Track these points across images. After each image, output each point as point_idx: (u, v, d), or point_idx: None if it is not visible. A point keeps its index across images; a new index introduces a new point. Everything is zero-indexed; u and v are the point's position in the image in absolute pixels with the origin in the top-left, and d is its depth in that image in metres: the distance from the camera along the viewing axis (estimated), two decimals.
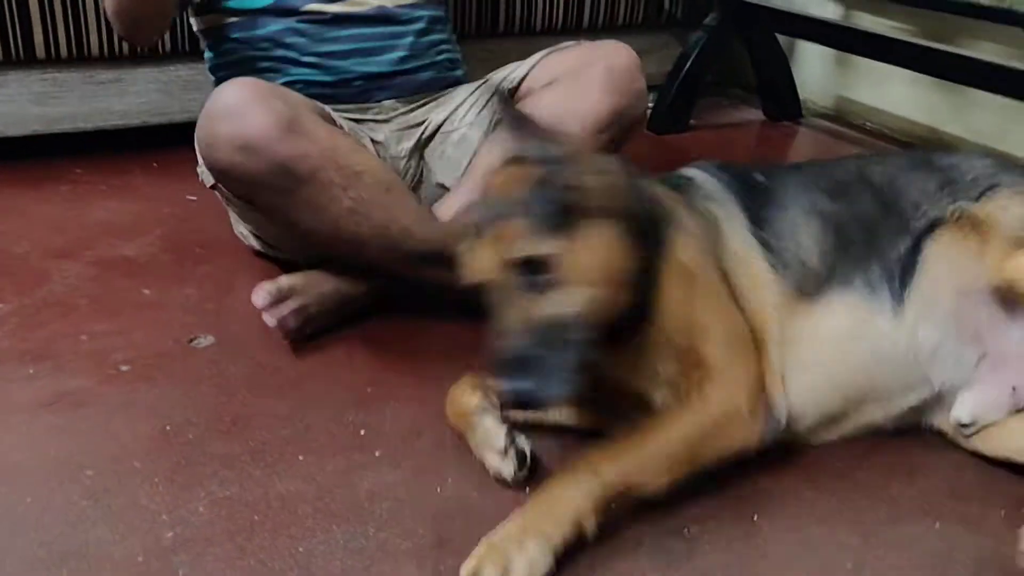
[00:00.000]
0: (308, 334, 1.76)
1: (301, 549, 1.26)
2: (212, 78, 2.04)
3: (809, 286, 1.46)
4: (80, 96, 2.57)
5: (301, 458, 1.46)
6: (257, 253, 2.07)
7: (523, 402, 1.22)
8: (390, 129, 2.00)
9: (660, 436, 1.30)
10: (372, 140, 1.95)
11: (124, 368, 1.68)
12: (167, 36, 2.56)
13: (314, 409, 1.57)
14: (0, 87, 2.49)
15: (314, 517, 1.32)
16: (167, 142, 2.60)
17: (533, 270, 1.23)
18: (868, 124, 3.14)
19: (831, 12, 3.04)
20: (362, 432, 1.52)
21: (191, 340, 1.78)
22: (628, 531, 1.28)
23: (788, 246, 1.48)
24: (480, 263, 1.28)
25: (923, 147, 1.98)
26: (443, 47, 2.08)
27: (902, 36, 2.71)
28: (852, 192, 1.55)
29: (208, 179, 1.91)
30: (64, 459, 1.43)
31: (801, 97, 3.24)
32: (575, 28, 3.05)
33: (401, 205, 1.75)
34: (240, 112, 1.62)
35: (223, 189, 1.86)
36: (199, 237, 2.20)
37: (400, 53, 1.99)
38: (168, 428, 1.52)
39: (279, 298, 1.71)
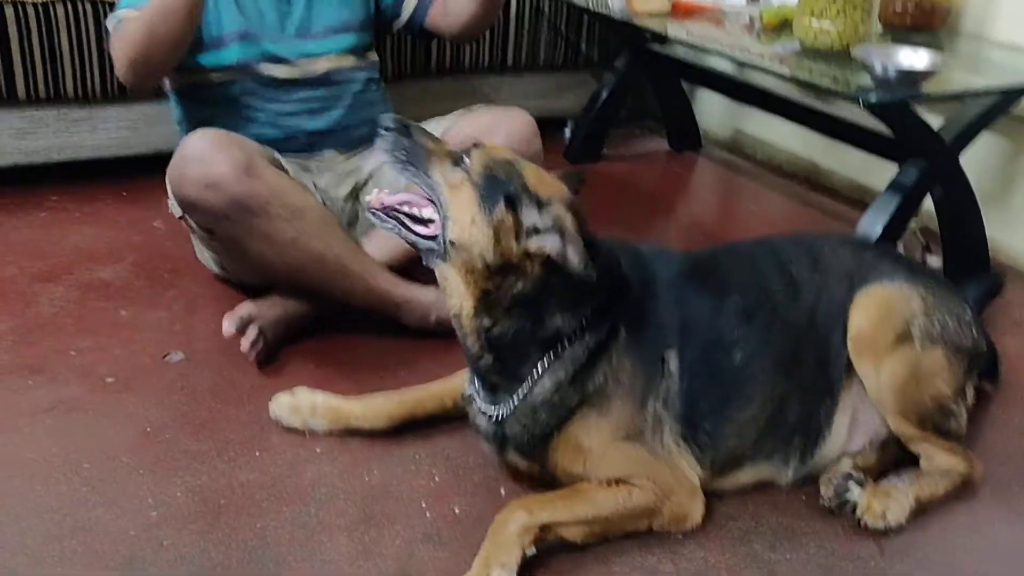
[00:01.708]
0: (266, 351, 2.11)
1: (258, 525, 1.63)
2: (178, 129, 2.38)
3: (727, 465, 1.70)
4: (55, 131, 2.88)
5: (258, 454, 1.81)
6: (217, 277, 2.41)
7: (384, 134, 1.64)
8: (331, 175, 2.36)
9: (589, 508, 1.57)
10: (315, 184, 2.31)
11: (109, 380, 2.03)
12: None
13: (268, 414, 1.91)
14: None
15: (268, 501, 1.69)
16: (134, 172, 2.94)
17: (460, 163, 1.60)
18: (759, 155, 3.55)
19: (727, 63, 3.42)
20: (306, 433, 1.88)
21: (164, 356, 2.12)
22: None
23: (714, 434, 1.66)
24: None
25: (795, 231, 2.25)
26: (377, 104, 2.45)
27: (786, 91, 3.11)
28: (797, 350, 1.71)
29: (177, 211, 2.24)
30: (65, 456, 1.78)
31: (701, 128, 3.64)
32: (500, 67, 3.40)
33: (336, 238, 2.13)
34: (206, 157, 1.99)
35: (189, 220, 2.20)
36: (167, 262, 2.54)
37: (340, 112, 2.37)
38: (148, 430, 1.87)
39: (243, 325, 2.05)
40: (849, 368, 1.72)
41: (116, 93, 2.89)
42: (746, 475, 1.73)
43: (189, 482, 1.73)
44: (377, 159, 2.34)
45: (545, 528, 1.52)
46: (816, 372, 1.72)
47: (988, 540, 1.69)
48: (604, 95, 3.39)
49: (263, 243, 2.06)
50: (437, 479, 1.76)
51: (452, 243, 1.56)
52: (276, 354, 2.13)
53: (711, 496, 1.69)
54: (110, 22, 2.21)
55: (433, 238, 1.59)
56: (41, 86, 2.80)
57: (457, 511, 1.69)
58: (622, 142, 3.61)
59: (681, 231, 3.09)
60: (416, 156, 1.61)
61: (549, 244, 1.51)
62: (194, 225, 2.21)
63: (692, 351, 1.65)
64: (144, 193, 2.85)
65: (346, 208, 2.37)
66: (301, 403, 1.88)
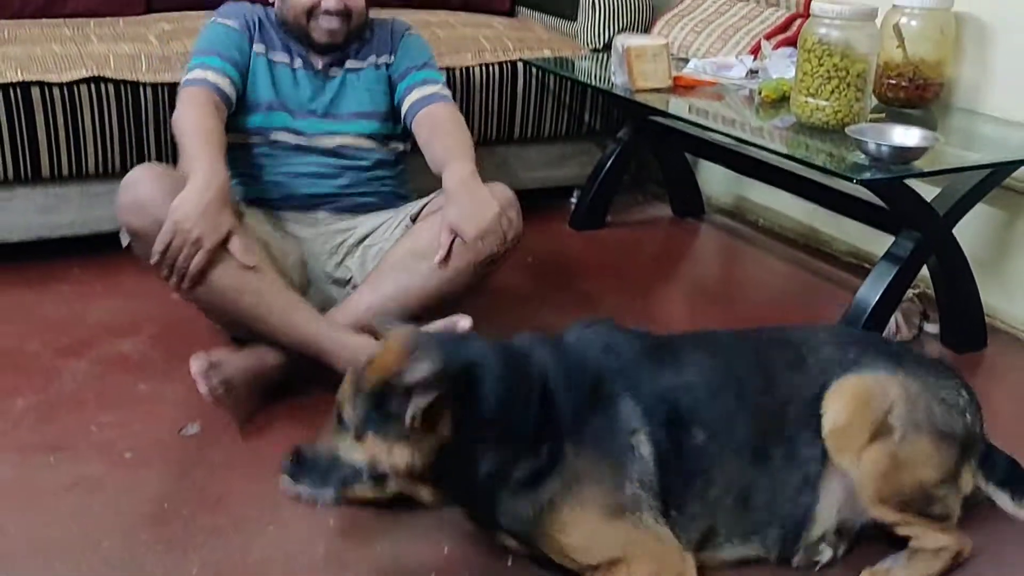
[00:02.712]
0: (231, 398, 2.14)
1: None
2: None
3: (703, 542, 1.73)
4: (78, 207, 2.99)
5: (271, 528, 1.87)
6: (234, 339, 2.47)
7: (286, 484, 1.67)
8: (317, 231, 2.50)
9: None
10: (295, 234, 2.46)
11: (128, 455, 2.10)
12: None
13: (278, 489, 1.97)
14: (9, 200, 2.91)
15: None
16: None
17: (341, 420, 1.65)
18: (761, 221, 3.63)
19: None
20: (318, 504, 1.93)
21: (180, 430, 2.19)
22: None
23: (684, 511, 1.70)
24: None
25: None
26: (387, 181, 2.56)
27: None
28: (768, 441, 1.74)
29: (124, 240, 2.30)
30: (85, 534, 1.84)
31: (704, 195, 3.72)
32: (507, 139, 3.49)
33: (259, 275, 2.19)
34: (136, 183, 2.17)
35: (134, 249, 2.26)
36: (182, 334, 2.61)
37: (344, 181, 2.51)
38: (166, 506, 1.93)
39: (209, 367, 2.10)
40: (828, 462, 1.74)
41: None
42: (728, 553, 1.76)
43: (205, 558, 1.79)
44: (372, 223, 2.45)
45: None
46: (786, 466, 1.74)
47: None
48: (608, 164, 3.48)
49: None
50: (446, 550, 1.82)
51: (405, 480, 1.63)
52: (254, 404, 2.22)
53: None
54: (183, 75, 2.43)
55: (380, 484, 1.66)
56: (64, 164, 2.91)
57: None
58: (626, 209, 3.70)
59: (684, 296, 3.17)
60: (327, 472, 1.65)
61: (410, 409, 1.54)
62: (141, 255, 2.25)
63: (659, 431, 1.69)
64: None
65: (328, 262, 2.49)
66: None
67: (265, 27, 2.51)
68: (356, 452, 1.62)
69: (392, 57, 2.56)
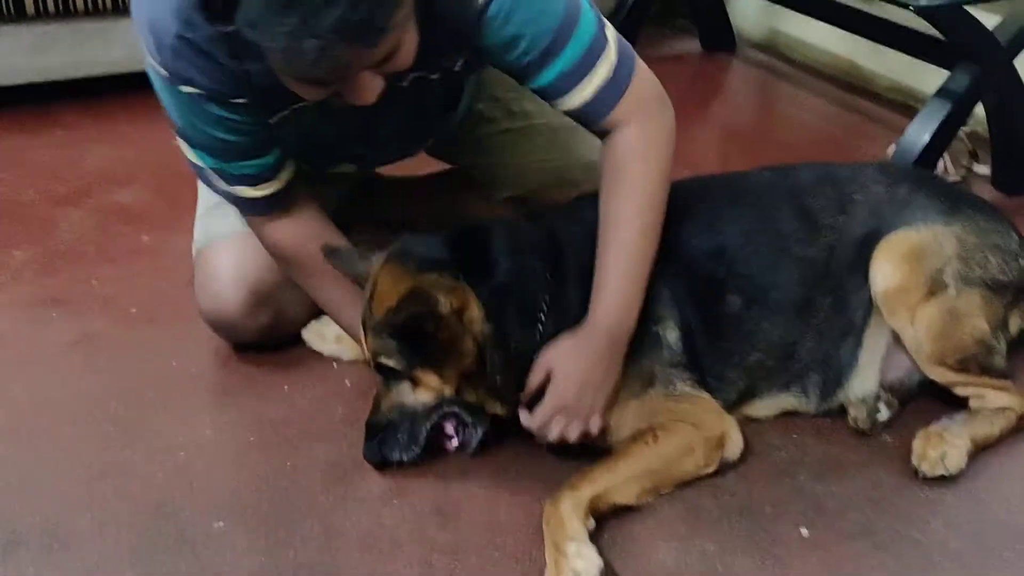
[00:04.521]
0: None
1: (289, 464, 1.60)
2: None
3: (740, 399, 1.66)
4: (69, 47, 2.80)
5: (286, 387, 1.78)
6: None
7: (375, 462, 1.56)
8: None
9: (628, 464, 1.51)
10: None
11: (133, 310, 1.99)
12: None
13: (293, 345, 1.87)
14: None
15: (299, 438, 1.66)
16: (150, 87, 2.84)
17: (385, 372, 1.53)
18: (797, 56, 3.40)
19: None
20: (335, 365, 1.83)
21: (188, 283, 2.07)
22: None
23: (723, 378, 1.63)
24: (363, 354, 1.59)
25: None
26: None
27: None
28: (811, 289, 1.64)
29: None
30: (91, 393, 1.75)
31: (735, 28, 3.49)
32: None
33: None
34: (218, 293, 1.79)
35: None
36: (186, 184, 2.45)
37: None
38: (174, 364, 1.84)
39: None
40: (875, 310, 1.64)
41: (127, 5, 2.78)
42: (765, 406, 1.69)
43: (217, 419, 1.70)
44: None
45: (596, 499, 1.46)
46: (834, 315, 1.65)
47: None
48: None
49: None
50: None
51: (460, 391, 1.53)
52: None
53: (752, 426, 1.65)
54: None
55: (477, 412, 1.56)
56: (51, 1, 2.71)
57: (492, 449, 1.64)
58: (653, 44, 3.47)
59: (716, 138, 3.00)
60: (406, 431, 1.54)
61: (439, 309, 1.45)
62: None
63: (687, 313, 1.59)
64: (161, 110, 2.75)
65: None
66: (328, 330, 1.85)
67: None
68: (417, 394, 1.53)
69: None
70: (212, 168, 1.62)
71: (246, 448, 1.63)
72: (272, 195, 1.64)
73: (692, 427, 1.55)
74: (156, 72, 1.52)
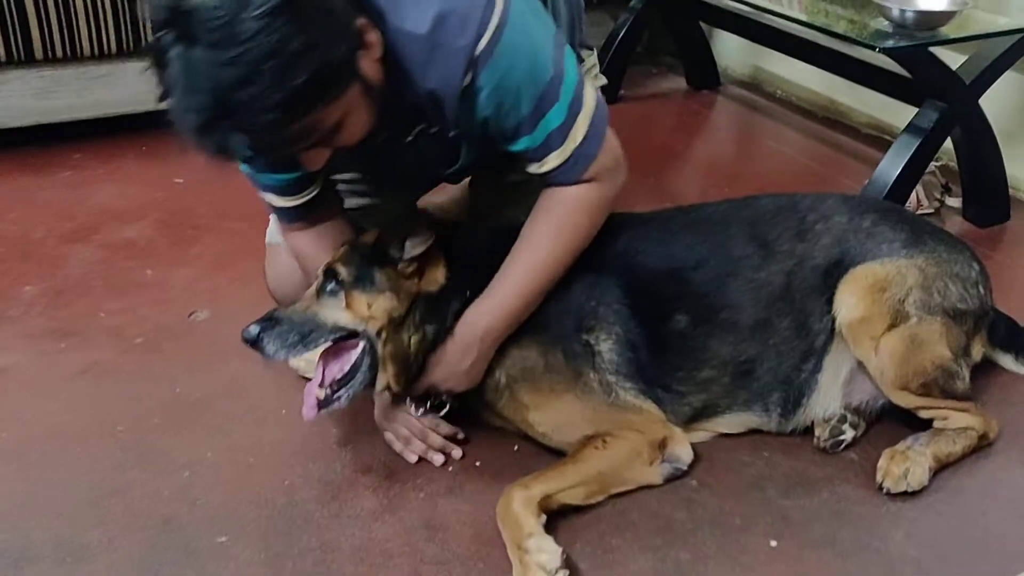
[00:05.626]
0: None
1: (286, 483, 1.69)
2: None
3: (700, 414, 1.74)
4: (75, 90, 2.91)
5: (284, 412, 1.87)
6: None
7: (247, 340, 1.60)
8: None
9: (577, 468, 1.62)
10: None
11: (138, 340, 2.08)
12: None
13: (292, 373, 1.95)
14: (3, 84, 2.83)
15: (296, 458, 1.75)
16: (154, 128, 2.94)
17: (330, 277, 1.64)
18: (779, 93, 3.52)
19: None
20: None
21: (191, 314, 2.17)
22: None
23: (673, 391, 1.71)
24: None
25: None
26: None
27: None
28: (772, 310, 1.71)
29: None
30: (99, 418, 1.84)
31: (720, 66, 3.60)
32: None
33: None
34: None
35: None
36: (189, 219, 2.58)
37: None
38: (178, 391, 1.93)
39: None
40: (837, 337, 1.72)
41: (132, 48, 2.90)
42: (728, 422, 1.77)
43: (219, 442, 1.79)
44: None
45: (546, 498, 1.55)
46: (794, 337, 1.72)
47: (999, 482, 1.71)
48: (620, 35, 3.38)
49: None
50: (459, 435, 1.81)
51: (379, 333, 1.63)
52: None
53: (724, 443, 1.74)
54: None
55: (368, 353, 1.64)
56: (59, 45, 2.82)
57: (478, 464, 1.74)
58: (640, 82, 3.60)
59: (700, 171, 3.10)
60: (299, 327, 1.62)
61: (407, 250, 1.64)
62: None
63: (630, 328, 1.68)
64: (164, 148, 2.86)
65: None
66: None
67: None
68: (338, 312, 1.63)
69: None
70: (244, 172, 1.70)
71: (246, 468, 1.72)
72: (297, 207, 1.72)
73: (637, 433, 1.65)
74: None
